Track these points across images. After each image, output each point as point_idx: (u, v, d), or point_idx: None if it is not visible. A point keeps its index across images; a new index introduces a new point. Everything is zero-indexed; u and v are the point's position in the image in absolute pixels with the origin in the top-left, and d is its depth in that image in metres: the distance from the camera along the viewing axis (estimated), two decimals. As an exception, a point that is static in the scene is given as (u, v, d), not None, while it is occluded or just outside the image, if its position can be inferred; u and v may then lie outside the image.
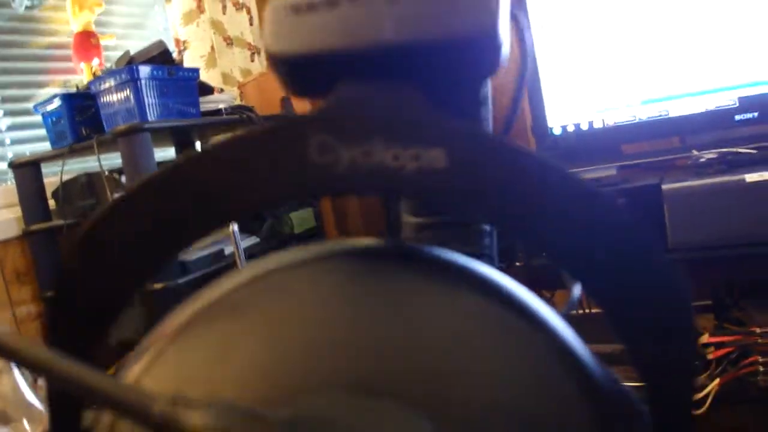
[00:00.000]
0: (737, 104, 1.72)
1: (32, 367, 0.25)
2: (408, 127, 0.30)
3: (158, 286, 1.57)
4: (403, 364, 0.28)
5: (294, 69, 0.34)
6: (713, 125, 1.76)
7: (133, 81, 1.61)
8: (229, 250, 1.66)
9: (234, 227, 1.58)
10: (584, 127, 1.89)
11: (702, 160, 1.69)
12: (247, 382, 0.28)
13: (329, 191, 0.31)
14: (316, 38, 0.32)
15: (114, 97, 1.66)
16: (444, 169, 0.30)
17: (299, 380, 0.28)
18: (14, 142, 1.99)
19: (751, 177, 1.54)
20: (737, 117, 1.72)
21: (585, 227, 0.30)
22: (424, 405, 0.27)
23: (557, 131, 1.92)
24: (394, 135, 0.29)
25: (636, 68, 1.82)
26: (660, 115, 1.80)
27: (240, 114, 1.91)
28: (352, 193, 0.32)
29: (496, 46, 0.32)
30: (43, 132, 1.92)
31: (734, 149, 1.69)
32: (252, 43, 2.63)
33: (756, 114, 1.70)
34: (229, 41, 2.49)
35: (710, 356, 1.67)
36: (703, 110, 1.76)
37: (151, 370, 0.31)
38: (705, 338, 1.68)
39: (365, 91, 0.33)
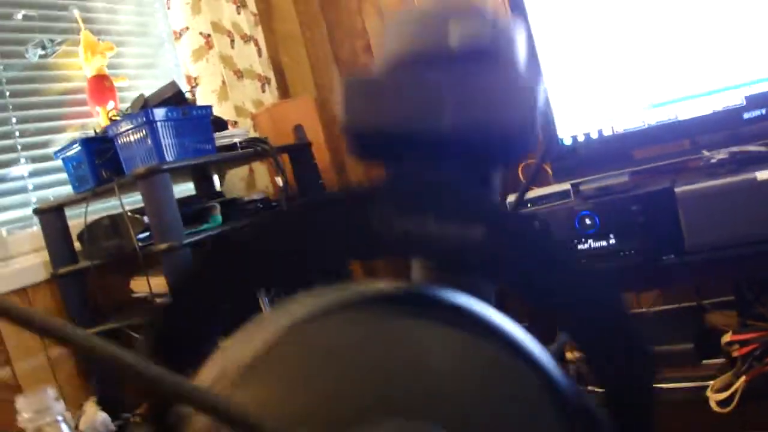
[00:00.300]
0: (744, 103, 1.73)
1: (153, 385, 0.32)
2: (455, 205, 0.37)
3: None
4: (424, 396, 0.38)
5: (361, 139, 0.41)
6: (722, 125, 1.77)
7: (149, 123, 1.65)
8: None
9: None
10: (594, 135, 1.91)
11: (713, 160, 1.70)
12: (315, 411, 0.37)
13: (385, 254, 0.39)
14: (382, 119, 0.39)
15: (132, 140, 1.70)
16: (481, 242, 0.37)
17: (356, 409, 0.37)
18: (36, 187, 2.04)
19: (762, 175, 1.55)
20: (745, 115, 1.73)
21: (578, 292, 0.38)
22: (443, 422, 0.37)
23: (568, 142, 1.94)
24: (443, 212, 0.36)
25: (642, 74, 1.83)
26: (669, 119, 1.82)
27: (255, 147, 1.94)
28: (403, 256, 0.40)
29: (534, 138, 0.39)
30: (64, 175, 1.97)
31: (744, 148, 1.70)
32: (262, 74, 2.67)
33: (764, 111, 1.71)
34: (240, 74, 2.53)
35: (735, 354, 1.67)
36: (711, 111, 1.77)
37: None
38: (728, 337, 1.68)
39: (421, 170, 0.40)
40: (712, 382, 1.68)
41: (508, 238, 0.38)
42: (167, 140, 1.69)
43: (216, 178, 2.43)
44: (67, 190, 1.97)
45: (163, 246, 1.59)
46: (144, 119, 1.65)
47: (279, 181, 1.97)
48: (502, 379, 0.40)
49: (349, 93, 0.39)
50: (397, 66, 0.40)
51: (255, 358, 0.39)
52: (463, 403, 0.38)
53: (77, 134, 2.11)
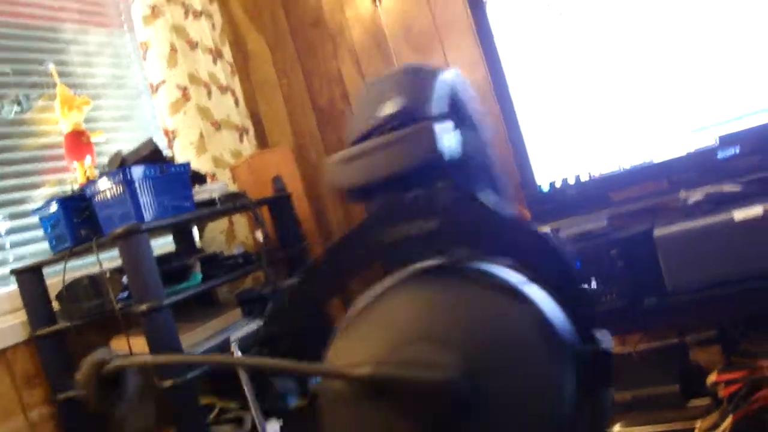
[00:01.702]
0: (718, 143, 1.75)
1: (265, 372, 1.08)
2: (416, 210, 0.79)
3: (168, 383, 1.58)
4: (450, 334, 0.76)
5: (349, 192, 0.91)
6: (697, 166, 1.79)
7: (127, 182, 1.64)
8: (233, 336, 1.67)
9: (235, 347, 1.60)
10: (571, 181, 1.92)
11: (690, 202, 1.72)
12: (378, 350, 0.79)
13: (385, 255, 0.86)
14: (357, 176, 0.84)
15: (109, 200, 1.69)
16: (436, 230, 0.79)
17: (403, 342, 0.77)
18: (14, 245, 2.01)
19: (738, 215, 1.57)
20: (720, 155, 1.75)
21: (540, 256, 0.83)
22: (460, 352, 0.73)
23: (546, 188, 1.95)
24: (412, 217, 0.79)
25: (615, 119, 1.85)
26: (644, 162, 1.84)
27: (233, 202, 1.94)
28: (400, 253, 0.85)
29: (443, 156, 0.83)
30: (42, 231, 1.95)
31: (720, 188, 1.71)
32: (239, 125, 2.67)
33: (737, 149, 1.73)
34: (217, 125, 2.53)
35: (721, 394, 1.67)
36: (685, 153, 1.79)
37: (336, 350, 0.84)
38: (714, 377, 1.68)
39: (393, 197, 0.82)
40: (699, 423, 1.68)
41: (459, 221, 0.79)
42: (145, 199, 1.67)
43: (195, 230, 2.42)
44: (46, 245, 1.95)
45: (143, 307, 1.58)
46: (122, 178, 1.64)
47: (259, 235, 1.96)
48: (510, 323, 0.74)
49: (334, 167, 0.77)
50: (357, 140, 0.81)
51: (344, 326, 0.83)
52: (479, 338, 0.72)
53: (55, 189, 2.10)
